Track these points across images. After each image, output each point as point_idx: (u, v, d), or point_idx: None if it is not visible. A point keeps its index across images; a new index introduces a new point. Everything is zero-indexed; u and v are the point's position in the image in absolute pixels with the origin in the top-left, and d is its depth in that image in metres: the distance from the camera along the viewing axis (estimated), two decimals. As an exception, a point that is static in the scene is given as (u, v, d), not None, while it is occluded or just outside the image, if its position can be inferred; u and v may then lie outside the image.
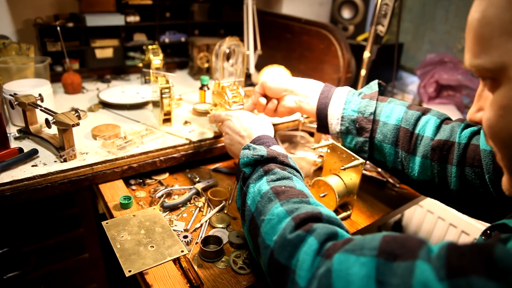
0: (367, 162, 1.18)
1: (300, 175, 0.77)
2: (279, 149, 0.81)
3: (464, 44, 0.48)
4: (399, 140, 0.84)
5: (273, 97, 1.02)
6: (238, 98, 1.09)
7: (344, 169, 0.88)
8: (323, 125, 0.96)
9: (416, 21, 2.00)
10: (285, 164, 0.75)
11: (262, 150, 0.75)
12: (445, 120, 0.82)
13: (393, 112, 0.86)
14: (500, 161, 0.48)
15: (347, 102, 0.91)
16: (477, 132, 0.77)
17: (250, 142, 0.84)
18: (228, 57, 1.44)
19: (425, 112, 0.84)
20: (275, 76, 1.36)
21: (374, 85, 0.93)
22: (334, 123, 0.92)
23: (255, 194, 0.69)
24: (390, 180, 1.15)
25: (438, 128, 0.80)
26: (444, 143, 0.77)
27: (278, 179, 0.70)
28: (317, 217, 0.58)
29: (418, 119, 0.83)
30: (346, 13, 1.87)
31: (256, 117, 0.94)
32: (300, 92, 0.97)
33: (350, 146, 0.92)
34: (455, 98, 1.78)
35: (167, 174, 1.08)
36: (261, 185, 0.69)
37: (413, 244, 0.42)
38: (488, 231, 0.56)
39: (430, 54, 1.82)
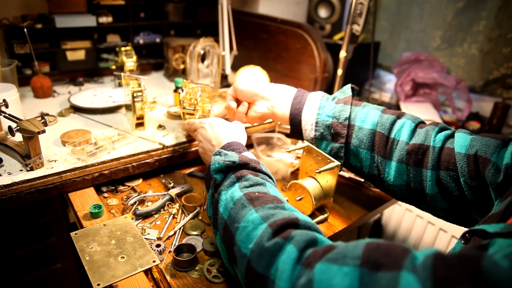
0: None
1: (273, 181, 0.76)
2: (250, 155, 0.79)
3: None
4: (375, 145, 0.83)
5: (244, 101, 1.00)
6: (192, 101, 1.07)
7: (320, 172, 0.87)
8: (296, 131, 0.95)
9: (392, 19, 2.02)
10: (257, 170, 0.73)
11: (233, 156, 0.73)
12: (420, 123, 0.82)
13: (368, 117, 0.85)
14: None
15: (321, 107, 0.89)
16: (451, 136, 0.77)
17: (222, 147, 0.82)
18: (203, 58, 1.42)
19: (399, 116, 0.84)
20: (248, 79, 1.34)
21: (347, 89, 0.92)
22: (308, 129, 0.91)
23: (228, 201, 0.67)
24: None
25: (413, 132, 0.80)
26: (419, 147, 0.77)
27: (251, 185, 0.68)
28: (295, 223, 0.56)
29: (393, 123, 0.82)
30: (323, 12, 1.87)
31: (229, 124, 0.92)
32: (272, 97, 0.96)
33: (326, 152, 0.91)
34: (431, 96, 1.80)
35: (140, 180, 1.06)
36: (234, 192, 0.67)
37: (397, 253, 0.41)
38: (467, 235, 0.56)
39: (406, 52, 1.84)
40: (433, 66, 1.76)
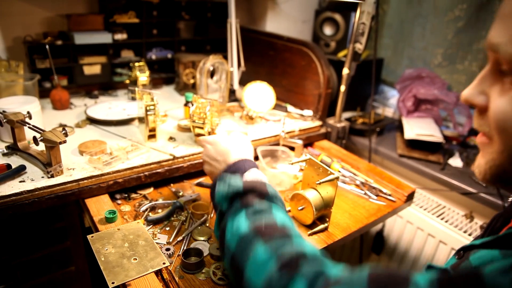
0: (343, 174, 1.23)
1: (281, 201, 0.76)
2: (255, 174, 0.79)
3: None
4: None
5: None
6: (201, 114, 1.13)
7: (320, 184, 0.93)
8: None
9: (395, 37, 2.08)
10: (263, 194, 0.73)
11: (237, 184, 0.73)
12: None
13: None
14: (494, 152, 0.48)
15: None
16: None
17: (226, 170, 0.82)
18: (212, 74, 1.49)
19: None
20: None
21: None
22: None
23: (234, 233, 0.66)
24: (368, 192, 1.20)
25: None
26: None
27: (257, 213, 0.68)
28: (303, 256, 0.57)
29: None
30: (328, 30, 1.94)
31: (232, 139, 0.91)
32: None
33: None
34: (433, 112, 1.84)
35: (151, 189, 1.12)
36: (240, 222, 0.67)
37: (399, 281, 0.44)
38: (461, 252, 0.59)
39: (408, 69, 1.90)
40: (434, 83, 1.82)
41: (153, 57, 1.75)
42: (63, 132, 0.97)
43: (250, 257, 0.60)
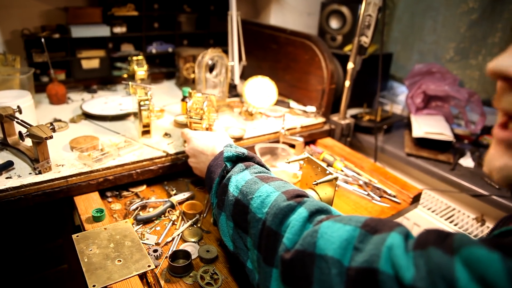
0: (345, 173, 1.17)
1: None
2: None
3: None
4: None
5: None
6: (198, 110, 1.09)
7: (316, 184, 0.88)
8: None
9: (405, 31, 2.01)
10: (261, 165, 0.82)
11: (243, 149, 0.82)
12: None
13: None
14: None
15: None
16: None
17: (215, 157, 0.86)
18: (211, 68, 1.45)
19: None
20: None
21: None
22: None
23: (239, 182, 0.73)
24: (371, 193, 1.14)
25: None
26: None
27: (259, 172, 0.77)
28: (305, 195, 0.65)
29: None
30: (334, 23, 1.88)
31: (215, 133, 0.98)
32: None
33: None
34: (444, 109, 1.77)
35: (144, 186, 1.08)
36: (244, 175, 0.74)
37: (393, 224, 0.49)
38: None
39: (418, 64, 1.82)
40: (445, 79, 1.74)
41: (154, 51, 1.71)
42: (51, 127, 0.93)
43: (255, 195, 0.67)
